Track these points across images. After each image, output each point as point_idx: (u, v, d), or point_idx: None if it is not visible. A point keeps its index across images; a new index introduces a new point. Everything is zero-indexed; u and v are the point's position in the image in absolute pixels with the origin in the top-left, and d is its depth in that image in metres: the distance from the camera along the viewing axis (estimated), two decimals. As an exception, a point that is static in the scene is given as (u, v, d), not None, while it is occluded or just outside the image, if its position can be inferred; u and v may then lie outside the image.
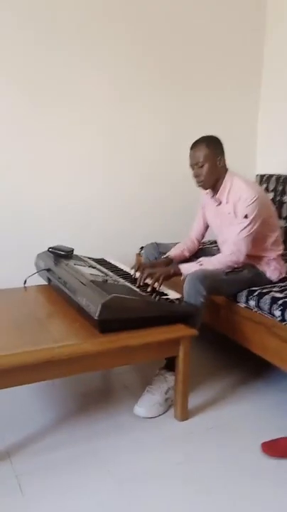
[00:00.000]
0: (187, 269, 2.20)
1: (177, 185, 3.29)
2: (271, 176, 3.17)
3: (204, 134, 2.23)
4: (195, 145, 2.21)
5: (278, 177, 3.11)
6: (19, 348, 1.69)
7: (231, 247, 2.19)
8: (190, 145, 2.22)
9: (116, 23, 2.95)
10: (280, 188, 3.05)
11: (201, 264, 2.20)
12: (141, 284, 2.16)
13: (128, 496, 1.56)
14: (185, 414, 1.97)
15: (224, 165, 2.23)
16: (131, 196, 3.21)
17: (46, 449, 1.78)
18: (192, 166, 2.22)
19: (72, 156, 2.99)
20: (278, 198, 3.03)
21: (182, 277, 2.18)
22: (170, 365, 2.05)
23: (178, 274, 2.20)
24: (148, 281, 2.17)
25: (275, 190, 3.07)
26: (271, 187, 3.11)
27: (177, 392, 1.96)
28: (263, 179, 3.20)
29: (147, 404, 2.00)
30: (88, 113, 2.99)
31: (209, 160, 2.17)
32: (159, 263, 2.38)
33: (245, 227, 2.15)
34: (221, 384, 2.28)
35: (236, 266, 2.21)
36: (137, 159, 3.19)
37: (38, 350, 1.69)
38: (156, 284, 2.12)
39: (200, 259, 2.26)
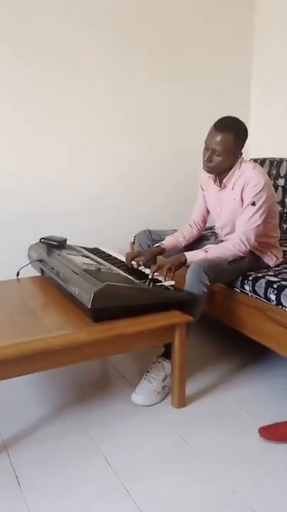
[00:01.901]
0: (192, 257, 2.14)
1: (172, 173, 3.28)
2: (264, 159, 3.14)
3: (226, 115, 2.12)
4: (221, 128, 2.05)
5: (272, 160, 3.07)
6: (12, 340, 1.67)
7: (240, 236, 2.13)
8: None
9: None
10: (274, 171, 3.03)
11: (206, 252, 2.15)
12: (152, 277, 2.07)
13: (127, 483, 1.55)
14: (182, 402, 1.96)
15: (239, 156, 2.13)
16: (125, 185, 3.18)
17: (43, 440, 1.77)
18: (208, 146, 2.09)
19: (62, 145, 2.96)
20: (271, 182, 2.99)
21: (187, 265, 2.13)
22: (168, 353, 2.03)
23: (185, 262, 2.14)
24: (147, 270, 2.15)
25: (269, 173, 3.04)
26: (265, 171, 3.07)
27: (174, 379, 1.95)
28: (257, 163, 3.16)
29: (144, 391, 1.99)
30: (83, 103, 2.95)
31: (228, 153, 2.07)
32: (150, 252, 2.31)
33: (253, 215, 2.10)
34: (219, 370, 2.27)
35: (242, 254, 2.15)
36: (128, 149, 3.16)
37: (32, 340, 1.67)
38: (168, 276, 2.06)
39: (206, 246, 2.21)
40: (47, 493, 1.52)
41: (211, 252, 2.14)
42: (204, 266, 2.03)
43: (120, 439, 1.77)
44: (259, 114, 3.44)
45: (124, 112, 3.11)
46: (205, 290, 2.02)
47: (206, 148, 2.11)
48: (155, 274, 2.10)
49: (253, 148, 3.47)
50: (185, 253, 2.18)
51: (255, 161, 3.18)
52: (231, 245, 2.15)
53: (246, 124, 2.14)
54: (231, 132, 2.05)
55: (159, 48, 3.12)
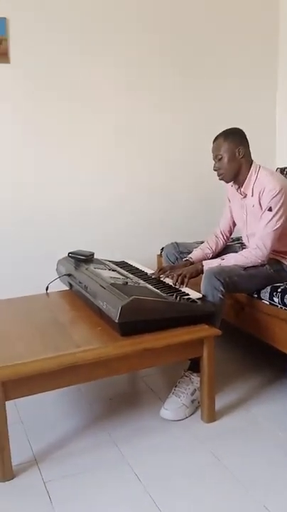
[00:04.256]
0: (208, 264, 2.17)
1: (197, 186, 3.27)
2: (291, 168, 3.10)
3: (222, 130, 2.21)
4: (215, 138, 2.22)
5: (299, 169, 3.04)
6: (42, 355, 1.69)
7: (257, 241, 2.14)
8: (210, 141, 2.22)
9: (124, 15, 2.96)
10: (301, 180, 2.98)
11: (223, 259, 2.17)
12: (171, 284, 2.13)
13: (158, 500, 1.54)
14: (212, 416, 1.94)
15: (246, 156, 2.19)
16: (152, 198, 3.20)
17: (74, 455, 1.78)
18: (214, 159, 2.21)
19: (90, 159, 3.00)
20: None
21: None
22: (195, 366, 2.02)
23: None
24: (168, 280, 2.17)
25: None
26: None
27: (203, 393, 1.93)
28: (284, 172, 3.13)
29: (173, 406, 1.97)
30: (104, 115, 2.99)
31: (228, 152, 2.16)
32: (179, 266, 2.34)
33: (270, 220, 2.10)
34: (249, 384, 2.24)
35: (260, 261, 2.15)
36: (156, 160, 3.18)
37: (60, 355, 1.68)
38: (182, 282, 2.11)
39: (225, 255, 2.22)
40: (78, 509, 1.52)
41: (227, 259, 2.17)
42: (215, 272, 2.04)
43: (150, 454, 1.76)
44: (285, 123, 3.41)
45: (156, 127, 3.14)
46: (221, 297, 2.01)
47: (214, 164, 2.22)
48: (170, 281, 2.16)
49: (280, 157, 3.45)
50: (203, 261, 2.21)
51: (282, 170, 3.15)
52: (247, 252, 2.17)
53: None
54: (221, 136, 2.20)
55: (177, 72, 3.16)
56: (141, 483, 1.61)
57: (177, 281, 2.13)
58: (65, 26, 2.80)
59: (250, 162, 2.20)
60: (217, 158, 2.18)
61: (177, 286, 2.11)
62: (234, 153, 2.16)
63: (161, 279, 2.23)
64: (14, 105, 2.78)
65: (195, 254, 2.41)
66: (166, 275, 2.23)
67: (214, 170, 2.22)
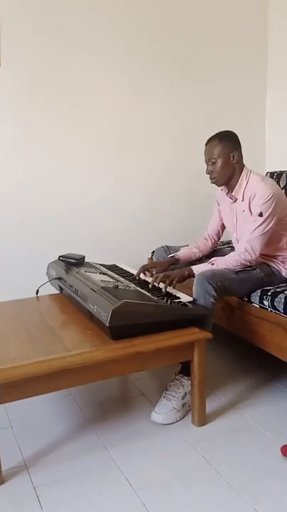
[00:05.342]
0: (197, 269, 2.17)
1: (190, 189, 3.29)
2: (281, 172, 3.12)
3: (212, 135, 2.21)
4: (208, 141, 2.20)
5: (289, 174, 3.06)
6: (32, 358, 1.68)
7: (245, 245, 2.15)
8: (203, 144, 2.22)
9: (125, 16, 2.98)
10: (291, 184, 3.01)
11: (212, 264, 2.17)
12: (156, 285, 2.10)
13: (148, 503, 1.53)
14: (202, 420, 1.94)
15: (239, 161, 2.19)
16: (143, 201, 3.21)
17: (64, 459, 1.77)
18: (206, 162, 2.20)
19: (81, 161, 2.99)
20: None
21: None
22: (186, 370, 2.02)
23: (192, 275, 2.17)
24: (161, 284, 2.16)
25: (286, 187, 3.02)
26: (282, 184, 3.06)
27: (194, 397, 1.93)
28: (274, 176, 3.15)
29: (164, 410, 1.97)
30: (97, 115, 3.00)
31: (222, 156, 2.15)
32: (163, 263, 2.36)
33: (260, 225, 2.11)
34: (240, 387, 2.25)
35: (248, 264, 2.17)
36: (148, 164, 3.19)
37: (51, 359, 1.67)
38: (169, 288, 2.10)
39: (213, 258, 2.23)
40: (68, 513, 1.51)
41: (217, 263, 2.18)
42: (208, 276, 2.05)
43: (140, 458, 1.76)
44: (275, 127, 3.44)
45: (146, 130, 3.15)
46: (213, 301, 2.01)
47: (207, 166, 2.21)
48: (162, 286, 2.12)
49: (269, 161, 3.47)
50: (192, 266, 2.20)
51: (272, 174, 3.17)
52: (236, 255, 2.18)
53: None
54: (215, 138, 2.18)
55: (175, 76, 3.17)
56: (131, 487, 1.61)
57: (167, 285, 2.10)
58: (58, 28, 2.81)
59: (242, 166, 2.21)
60: (211, 161, 2.17)
61: (161, 287, 2.10)
62: (228, 158, 2.15)
63: (155, 284, 2.20)
64: (5, 107, 2.77)
65: (183, 252, 2.43)
66: (158, 281, 2.14)
67: (207, 173, 2.21)
